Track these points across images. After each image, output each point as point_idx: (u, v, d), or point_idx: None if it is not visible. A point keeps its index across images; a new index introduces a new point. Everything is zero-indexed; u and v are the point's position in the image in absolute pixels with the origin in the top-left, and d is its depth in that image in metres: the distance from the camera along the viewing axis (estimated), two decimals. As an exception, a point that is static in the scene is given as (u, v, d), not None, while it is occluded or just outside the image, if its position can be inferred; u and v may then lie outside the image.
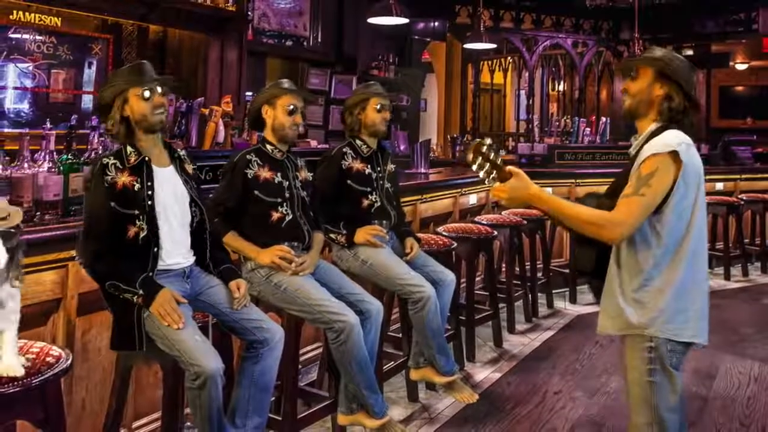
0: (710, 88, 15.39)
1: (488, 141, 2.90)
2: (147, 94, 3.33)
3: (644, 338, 2.93)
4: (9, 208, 2.59)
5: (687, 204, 2.90)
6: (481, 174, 2.90)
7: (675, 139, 2.89)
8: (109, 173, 3.28)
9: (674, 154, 2.83)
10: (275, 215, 3.98)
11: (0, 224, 2.53)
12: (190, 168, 3.60)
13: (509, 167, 2.93)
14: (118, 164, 3.31)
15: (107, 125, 3.40)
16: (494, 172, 2.89)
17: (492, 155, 2.87)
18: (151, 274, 3.29)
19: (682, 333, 2.92)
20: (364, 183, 4.59)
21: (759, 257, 9.42)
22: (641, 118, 3.07)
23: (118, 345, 3.32)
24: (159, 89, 3.38)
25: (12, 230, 2.56)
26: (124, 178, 3.29)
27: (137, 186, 3.32)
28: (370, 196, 4.58)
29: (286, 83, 4.17)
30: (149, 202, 3.33)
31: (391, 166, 4.80)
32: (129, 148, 3.36)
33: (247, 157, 4.01)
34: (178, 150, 3.61)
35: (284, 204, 4.00)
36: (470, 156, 2.88)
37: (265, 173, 3.99)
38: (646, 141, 2.96)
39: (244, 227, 3.98)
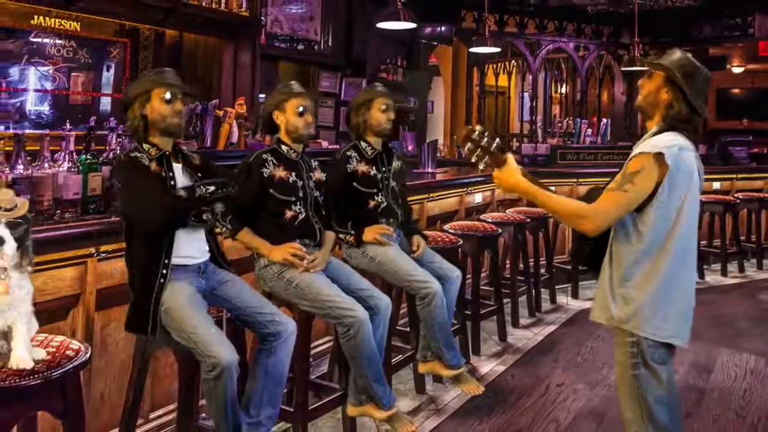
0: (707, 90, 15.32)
1: (479, 127, 2.88)
2: (168, 96, 3.37)
3: (626, 333, 2.92)
4: (16, 199, 2.61)
5: (672, 206, 2.86)
6: (473, 159, 2.88)
7: (666, 142, 2.86)
8: (140, 159, 3.33)
9: (659, 156, 2.80)
10: (289, 213, 3.97)
11: (7, 214, 2.54)
12: (196, 159, 3.60)
13: (507, 154, 2.92)
14: (143, 156, 3.36)
15: (128, 120, 3.43)
16: (486, 157, 2.87)
17: (484, 141, 2.85)
18: (167, 260, 3.30)
19: (659, 332, 2.89)
20: (370, 185, 4.56)
21: (754, 254, 9.38)
22: (649, 118, 3.05)
23: (131, 327, 3.33)
24: (180, 96, 3.42)
25: (20, 220, 2.57)
26: (152, 166, 3.35)
27: (163, 173, 3.36)
28: (376, 197, 4.56)
29: (293, 86, 4.16)
30: (172, 192, 3.34)
31: (397, 164, 4.76)
32: (146, 145, 3.40)
33: (263, 156, 4.00)
34: (183, 149, 3.61)
35: (298, 203, 4.00)
36: (461, 142, 2.89)
37: (280, 172, 3.98)
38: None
39: (258, 224, 3.96)
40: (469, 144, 2.87)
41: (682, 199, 2.87)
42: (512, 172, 2.92)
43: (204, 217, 3.40)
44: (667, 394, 2.93)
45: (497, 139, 2.90)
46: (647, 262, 2.88)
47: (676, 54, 3.02)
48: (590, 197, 3.05)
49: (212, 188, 3.30)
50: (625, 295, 2.93)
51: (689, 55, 3.03)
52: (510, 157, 2.93)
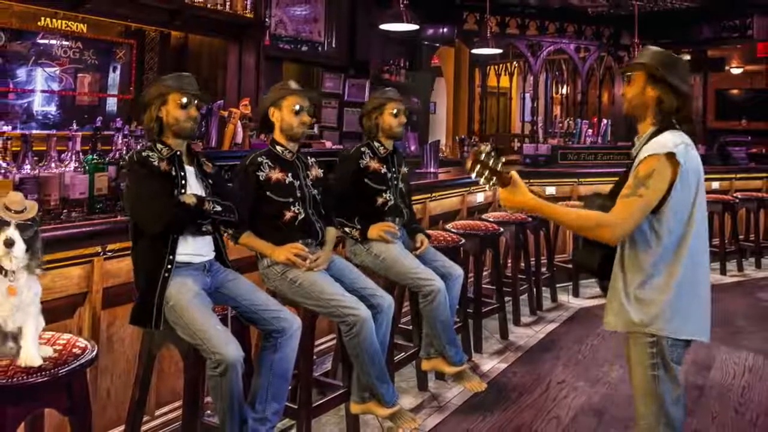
0: (707, 91, 15.32)
1: (486, 148, 2.82)
2: (185, 100, 3.43)
3: (646, 335, 2.88)
4: (26, 202, 2.61)
5: (685, 204, 2.84)
6: (481, 181, 2.82)
7: (673, 140, 2.83)
8: (152, 159, 3.37)
9: (671, 156, 2.78)
10: (288, 214, 3.95)
11: (17, 216, 2.54)
12: (209, 167, 3.61)
13: (511, 173, 2.87)
14: (154, 155, 3.39)
15: (144, 120, 3.48)
16: (494, 178, 2.81)
17: (491, 162, 2.78)
18: (172, 256, 3.32)
19: (681, 331, 2.87)
20: (380, 182, 4.57)
21: (753, 253, 9.38)
22: (640, 120, 3.02)
23: (135, 320, 3.34)
24: (196, 102, 3.47)
25: (29, 222, 2.57)
26: (162, 165, 3.37)
27: (173, 172, 3.39)
28: (384, 194, 4.57)
29: (291, 84, 4.13)
30: (182, 191, 3.37)
31: (404, 169, 4.80)
32: (159, 145, 3.43)
33: (258, 159, 3.97)
34: (199, 154, 3.64)
35: (296, 203, 3.97)
36: (468, 164, 2.83)
37: (276, 174, 3.96)
38: (646, 142, 2.92)
39: (259, 226, 3.95)
40: (478, 167, 2.79)
41: (694, 196, 2.87)
42: (521, 190, 2.86)
43: (203, 229, 3.45)
44: (682, 393, 2.92)
45: (502, 158, 2.86)
46: (667, 262, 2.86)
47: (650, 49, 3.01)
48: (592, 203, 3.02)
49: (219, 208, 3.40)
50: (643, 297, 2.89)
51: (661, 49, 3.02)
52: (515, 175, 2.87)
